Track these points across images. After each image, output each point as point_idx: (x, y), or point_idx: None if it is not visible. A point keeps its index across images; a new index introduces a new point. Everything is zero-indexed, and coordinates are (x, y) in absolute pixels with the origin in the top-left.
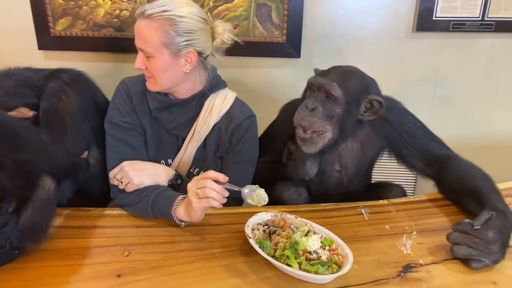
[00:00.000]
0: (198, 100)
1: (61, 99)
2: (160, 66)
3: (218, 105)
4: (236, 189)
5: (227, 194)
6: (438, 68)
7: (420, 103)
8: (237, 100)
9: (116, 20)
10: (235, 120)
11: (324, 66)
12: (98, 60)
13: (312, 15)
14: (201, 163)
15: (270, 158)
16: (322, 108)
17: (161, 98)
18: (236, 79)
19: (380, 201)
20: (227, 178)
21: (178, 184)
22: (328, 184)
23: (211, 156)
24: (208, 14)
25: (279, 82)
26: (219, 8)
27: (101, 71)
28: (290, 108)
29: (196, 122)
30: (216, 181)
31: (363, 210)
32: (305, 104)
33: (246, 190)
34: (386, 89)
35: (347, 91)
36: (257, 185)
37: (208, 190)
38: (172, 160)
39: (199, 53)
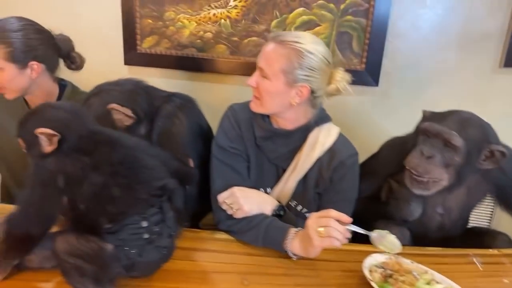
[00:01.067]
0: (302, 133)
1: (174, 123)
2: (271, 90)
3: (322, 140)
4: (362, 231)
5: (349, 235)
6: None
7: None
8: (340, 135)
9: (199, 41)
10: (338, 156)
11: (403, 96)
12: (178, 78)
13: (394, 46)
14: (300, 197)
15: (367, 194)
16: (440, 156)
17: (267, 127)
18: None
19: (490, 250)
20: (350, 219)
21: (281, 215)
22: (428, 227)
23: (311, 191)
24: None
25: (355, 109)
26: None
27: (180, 88)
28: (393, 146)
29: (298, 154)
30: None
31: (475, 259)
32: (421, 150)
33: (374, 235)
34: None
35: (468, 140)
36: (387, 231)
37: (332, 229)
38: (271, 189)
39: (312, 91)
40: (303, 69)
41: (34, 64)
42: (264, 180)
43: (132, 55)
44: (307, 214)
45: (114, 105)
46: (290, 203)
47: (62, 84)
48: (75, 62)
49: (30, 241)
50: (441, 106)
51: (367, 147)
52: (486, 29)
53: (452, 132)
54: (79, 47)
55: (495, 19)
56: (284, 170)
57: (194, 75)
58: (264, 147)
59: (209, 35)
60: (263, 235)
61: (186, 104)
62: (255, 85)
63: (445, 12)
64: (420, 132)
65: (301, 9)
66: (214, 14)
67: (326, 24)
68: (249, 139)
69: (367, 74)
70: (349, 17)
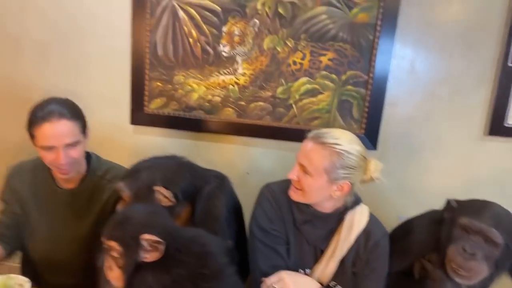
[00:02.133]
0: (338, 215)
1: (215, 205)
2: (314, 186)
3: (357, 221)
4: None
5: None
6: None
7: None
8: (371, 215)
9: (207, 104)
10: (373, 237)
11: (399, 160)
12: (184, 137)
13: (390, 113)
14: (339, 277)
15: (398, 270)
16: (481, 252)
17: (308, 210)
18: None
19: None
20: None
21: None
22: None
23: (349, 271)
24: (293, 105)
25: None
26: (304, 101)
27: (185, 146)
28: (428, 226)
29: (336, 236)
30: None
31: None
32: (463, 247)
33: None
34: (454, 188)
35: (505, 234)
36: None
37: None
38: (310, 270)
39: (351, 185)
40: (344, 169)
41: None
42: (303, 261)
43: (139, 115)
44: None
45: (160, 188)
46: (330, 285)
47: (87, 153)
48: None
49: None
50: (433, 169)
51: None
52: (472, 100)
53: (492, 230)
54: (87, 107)
55: (479, 92)
56: (322, 251)
57: (200, 135)
58: (303, 229)
59: (217, 99)
60: None
61: (223, 183)
62: (296, 179)
63: (435, 83)
64: (458, 227)
65: (305, 78)
66: (223, 80)
67: (328, 92)
68: (289, 221)
69: (366, 138)
70: (349, 86)
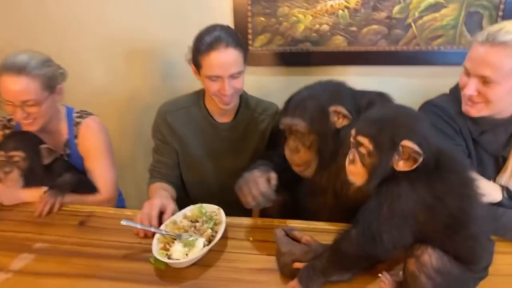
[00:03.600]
0: None
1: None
2: (502, 93)
3: None
4: None
5: None
6: None
7: None
8: None
9: (315, 34)
10: None
11: None
12: (292, 74)
13: None
14: None
15: None
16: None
17: (484, 121)
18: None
19: None
20: None
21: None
22: None
23: None
24: (413, 24)
25: None
26: (424, 18)
27: (295, 84)
28: None
29: None
30: None
31: None
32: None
33: None
34: None
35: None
36: None
37: None
38: (493, 180)
39: None
40: None
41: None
42: (485, 173)
43: None
44: None
45: (335, 108)
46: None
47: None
48: None
49: (363, 261)
50: None
51: None
52: None
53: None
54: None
55: None
56: (504, 158)
57: (308, 69)
58: (482, 139)
59: (325, 27)
60: None
61: (383, 96)
62: (476, 93)
63: None
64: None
65: None
66: (331, 6)
67: (453, 5)
68: (466, 134)
69: None
70: None
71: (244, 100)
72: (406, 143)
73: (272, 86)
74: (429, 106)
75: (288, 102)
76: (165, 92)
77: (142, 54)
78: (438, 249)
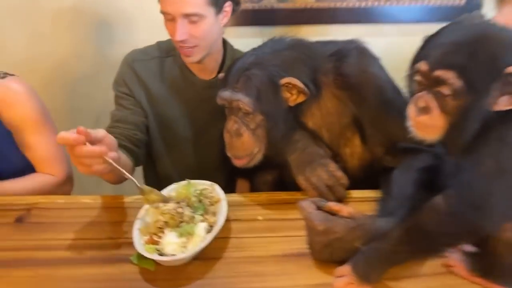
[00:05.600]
0: None
1: None
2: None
3: None
4: None
5: None
6: None
7: None
8: None
9: None
10: None
11: None
12: (255, 35)
13: None
14: None
15: None
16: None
17: None
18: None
19: None
20: None
21: None
22: None
23: None
24: None
25: None
26: None
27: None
28: None
29: None
30: None
31: None
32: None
33: None
34: None
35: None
36: None
37: None
38: None
39: None
40: None
41: (227, 5)
42: None
43: None
44: None
45: (288, 80)
46: None
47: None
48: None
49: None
50: None
51: None
52: None
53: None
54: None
55: None
56: None
57: (272, 29)
58: None
59: None
60: None
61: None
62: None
63: None
64: None
65: None
66: None
67: None
68: None
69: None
70: None
71: (229, 53)
72: None
73: None
74: None
75: (229, 70)
76: (101, 60)
77: (72, 13)
78: None
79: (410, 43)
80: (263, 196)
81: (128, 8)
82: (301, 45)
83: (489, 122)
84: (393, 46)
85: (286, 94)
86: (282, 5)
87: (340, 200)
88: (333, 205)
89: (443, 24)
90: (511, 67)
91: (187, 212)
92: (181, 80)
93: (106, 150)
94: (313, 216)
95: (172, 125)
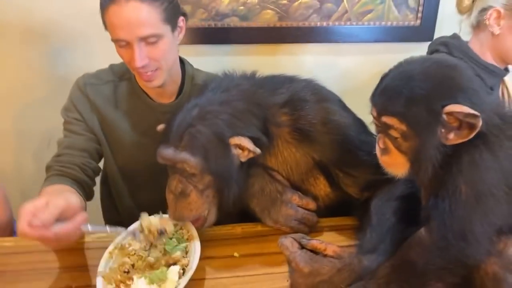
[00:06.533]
0: None
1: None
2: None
3: None
4: None
5: None
6: None
7: None
8: None
9: (242, 7)
10: None
11: None
12: (218, 54)
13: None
14: None
15: None
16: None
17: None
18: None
19: None
20: None
21: None
22: None
23: None
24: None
25: None
26: None
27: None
28: None
29: None
30: None
31: None
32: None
33: None
34: None
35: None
36: None
37: None
38: None
39: None
40: None
41: (181, 20)
42: None
43: None
44: None
45: (239, 139)
46: None
47: (180, 59)
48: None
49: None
50: None
51: None
52: None
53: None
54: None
55: None
56: None
57: (235, 48)
58: None
59: (253, 0)
60: None
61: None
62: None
63: None
64: None
65: None
66: None
67: None
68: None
69: (423, 29)
70: None
71: (189, 75)
72: (452, 108)
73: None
74: None
75: (170, 124)
76: (50, 87)
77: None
78: None
79: (369, 62)
80: (238, 229)
81: (85, 31)
82: (249, 92)
83: (460, 148)
84: (353, 64)
85: (237, 151)
86: (245, 24)
87: (313, 226)
88: (317, 244)
89: (400, 44)
90: (448, 108)
91: (155, 253)
92: (137, 104)
93: (80, 222)
94: (297, 258)
95: (129, 153)
